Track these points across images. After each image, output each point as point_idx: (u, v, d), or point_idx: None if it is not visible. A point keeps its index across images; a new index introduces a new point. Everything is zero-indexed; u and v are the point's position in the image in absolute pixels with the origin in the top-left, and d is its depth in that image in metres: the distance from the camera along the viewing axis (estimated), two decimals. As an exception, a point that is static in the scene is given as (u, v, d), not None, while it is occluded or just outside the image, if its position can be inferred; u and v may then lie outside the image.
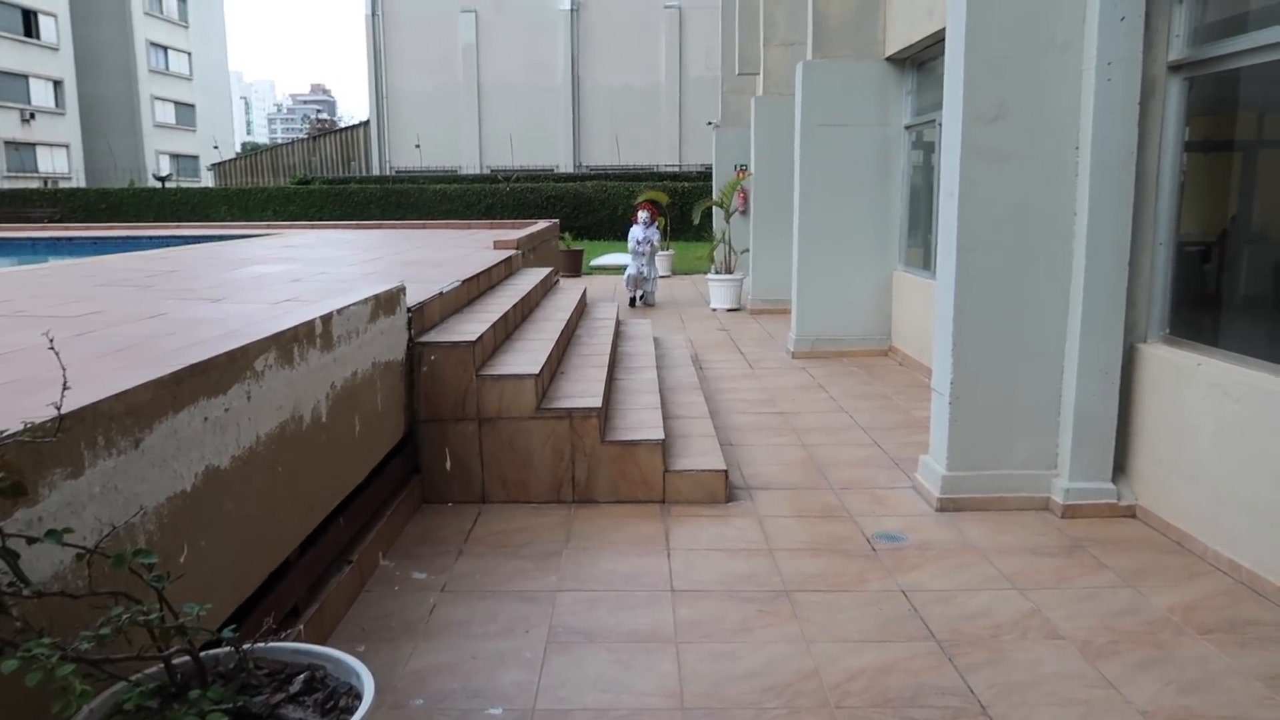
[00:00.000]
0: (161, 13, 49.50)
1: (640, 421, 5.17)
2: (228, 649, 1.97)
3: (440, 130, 35.44)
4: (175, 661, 1.86)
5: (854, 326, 9.01)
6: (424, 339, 4.74)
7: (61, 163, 43.25)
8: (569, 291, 8.62)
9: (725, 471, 4.84)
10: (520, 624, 3.44)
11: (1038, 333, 4.59)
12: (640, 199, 17.49)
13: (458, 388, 4.70)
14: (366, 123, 36.65)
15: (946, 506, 4.66)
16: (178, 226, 14.82)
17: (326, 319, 3.51)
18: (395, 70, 35.74)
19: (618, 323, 8.47)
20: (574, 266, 17.99)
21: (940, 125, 7.74)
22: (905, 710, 2.88)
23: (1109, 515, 4.53)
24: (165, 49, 49.78)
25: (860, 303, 8.97)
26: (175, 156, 49.35)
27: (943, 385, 4.73)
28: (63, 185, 36.91)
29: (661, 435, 4.89)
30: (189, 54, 51.76)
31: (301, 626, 3.10)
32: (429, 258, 8.13)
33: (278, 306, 4.33)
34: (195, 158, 49.14)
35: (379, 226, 14.43)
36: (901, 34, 8.18)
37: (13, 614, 1.61)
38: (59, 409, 1.78)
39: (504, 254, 8.40)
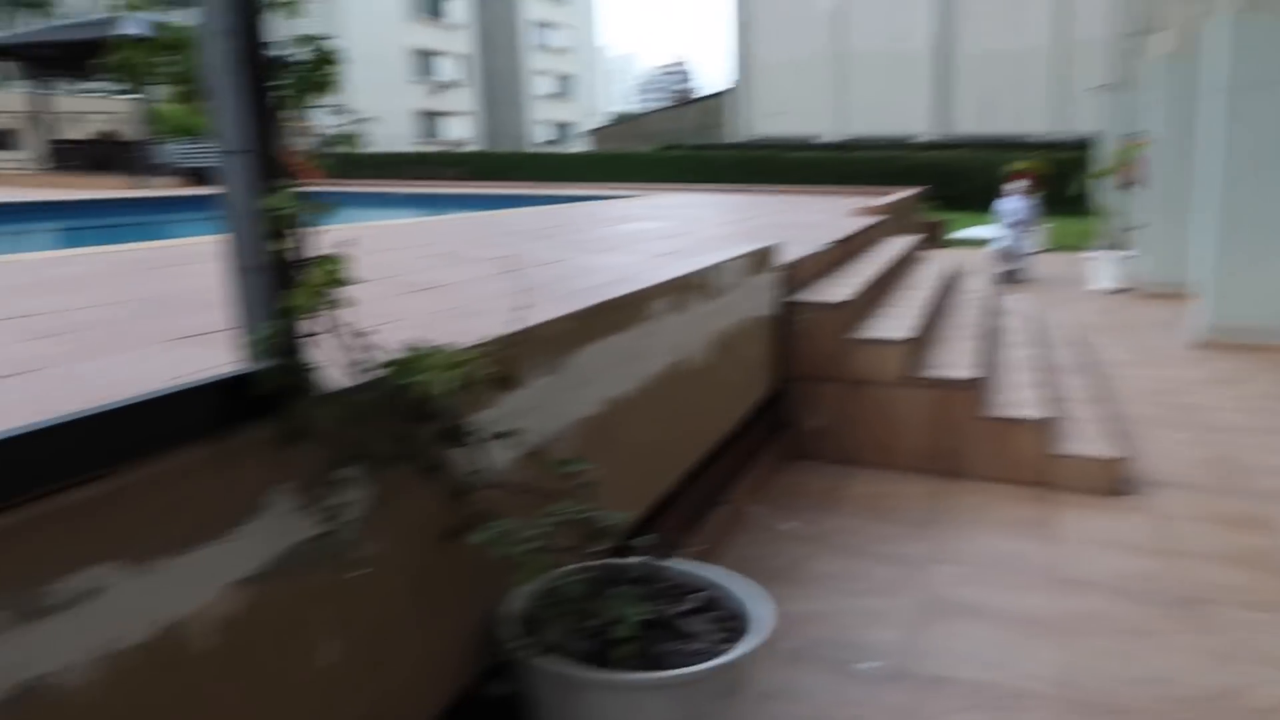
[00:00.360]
0: (543, -10, 54.12)
1: (1018, 399, 4.82)
2: (639, 558, 2.11)
3: (799, 98, 35.37)
4: (594, 563, 2.02)
5: (1270, 317, 7.74)
6: (795, 298, 4.74)
7: (464, 130, 48.95)
8: (935, 262, 8.24)
9: (1117, 461, 4.38)
10: (892, 587, 3.36)
11: None
12: (1019, 167, 16.33)
13: (826, 348, 4.66)
14: (727, 91, 37.53)
15: None
16: (559, 186, 16.16)
17: (710, 270, 3.62)
18: (758, 39, 36.11)
19: (989, 297, 7.97)
20: (934, 237, 17.22)
21: None
22: (1358, 758, 2.43)
23: None
24: (546, 26, 54.32)
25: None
26: (555, 124, 53.87)
27: None
28: (465, 149, 41.79)
29: (1043, 415, 4.52)
30: (566, 30, 56.07)
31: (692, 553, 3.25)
32: (793, 220, 8.14)
33: (660, 259, 4.54)
34: (570, 125, 53.28)
35: (739, 191, 14.74)
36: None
37: (471, 499, 1.81)
38: (512, 327, 1.99)
39: (867, 220, 8.20)
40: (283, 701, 1.51)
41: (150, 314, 2.66)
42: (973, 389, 4.53)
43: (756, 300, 4.33)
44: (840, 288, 5.09)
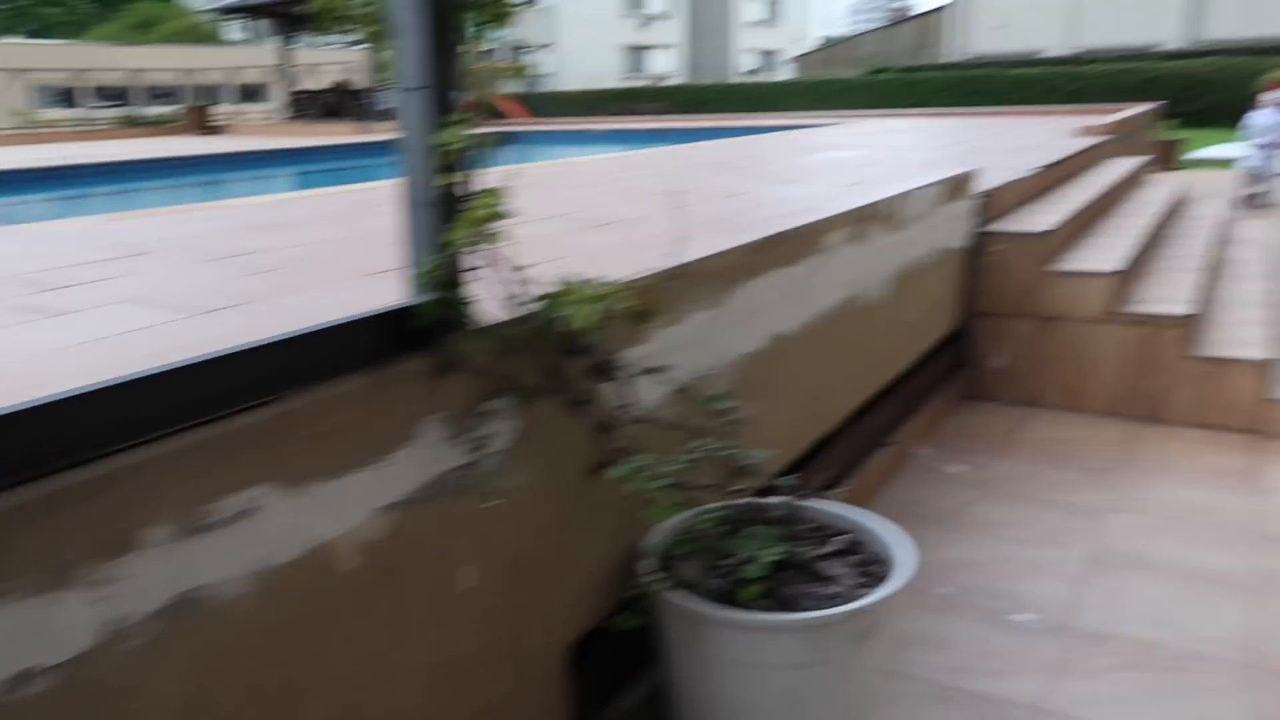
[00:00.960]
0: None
1: (1237, 338, 4.43)
2: (780, 499, 2.17)
3: (1023, 9, 32.64)
4: (735, 502, 2.10)
5: None
6: (991, 228, 4.54)
7: (669, 63, 48.84)
8: (1162, 186, 7.56)
9: (1350, 409, 3.96)
10: (1060, 537, 3.25)
11: None
12: (1270, 77, 14.56)
13: (1022, 281, 4.45)
14: (945, 6, 35.20)
15: None
16: (758, 117, 15.93)
17: (893, 201, 3.54)
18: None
19: (1223, 224, 7.25)
20: (1169, 158, 15.65)
21: None
22: None
23: None
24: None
25: None
26: (761, 53, 52.65)
27: None
28: (667, 83, 41.76)
29: (1263, 355, 4.14)
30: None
31: (840, 490, 3.29)
32: (1002, 145, 7.69)
33: (846, 189, 4.46)
34: (777, 53, 51.88)
35: (949, 114, 14.00)
36: None
37: (616, 434, 1.94)
38: (667, 263, 2.08)
39: (1087, 142, 7.62)
40: (422, 623, 1.61)
41: (357, 251, 2.96)
42: (1184, 326, 4.20)
43: (948, 231, 4.20)
44: (1044, 216, 4.82)
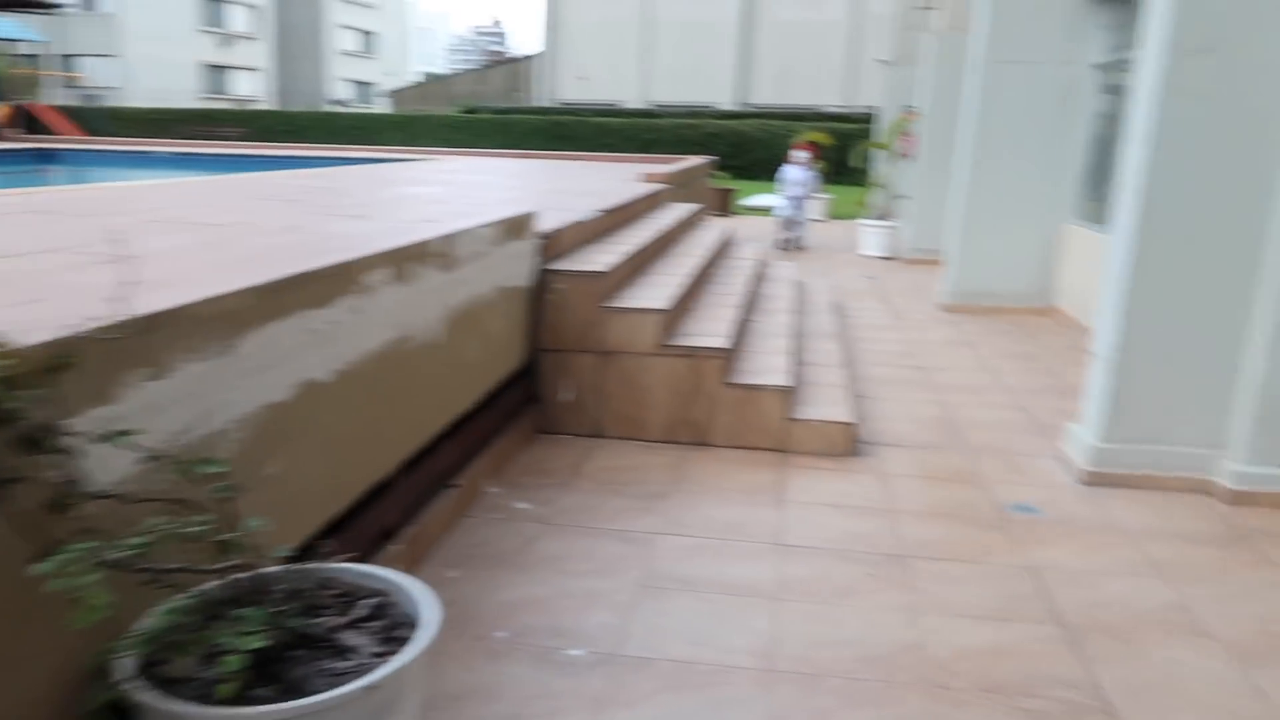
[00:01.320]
0: (348, -58, 51.26)
1: (768, 366, 4.97)
2: (289, 568, 1.95)
3: (607, 63, 35.30)
4: (241, 577, 1.84)
5: (1013, 281, 8.41)
6: (553, 266, 4.68)
7: (255, 86, 45.85)
8: (713, 229, 8.41)
9: (852, 424, 4.60)
10: (616, 565, 3.37)
11: (1225, 297, 4.08)
12: (803, 139, 16.94)
13: (583, 318, 4.63)
14: (535, 55, 37.00)
15: (1092, 481, 4.27)
16: (347, 149, 15.40)
17: (447, 239, 3.48)
18: (567, 3, 35.70)
19: (759, 264, 8.21)
20: (722, 205, 17.68)
21: (1136, 62, 7.02)
22: (1017, 699, 2.64)
23: (1285, 507, 4.04)
24: (350, -22, 51.61)
25: (1022, 256, 8.36)
26: (356, 83, 51.42)
27: (1106, 348, 4.30)
28: (252, 107, 39.16)
29: (787, 382, 4.68)
30: (372, -17, 53.49)
31: (391, 548, 3.13)
32: (576, 187, 8.08)
33: (412, 225, 4.34)
34: (372, 85, 51.01)
35: (535, 156, 14.56)
36: (1096, -38, 7.41)
37: (69, 515, 1.61)
38: (131, 313, 1.78)
39: (651, 188, 8.26)
40: None
41: None
42: (722, 357, 4.62)
43: (509, 269, 4.23)
44: (604, 256, 5.07)
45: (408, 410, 3.25)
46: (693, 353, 4.61)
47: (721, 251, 7.90)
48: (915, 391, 5.78)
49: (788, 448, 4.61)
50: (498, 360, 4.20)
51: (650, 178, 8.85)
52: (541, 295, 4.63)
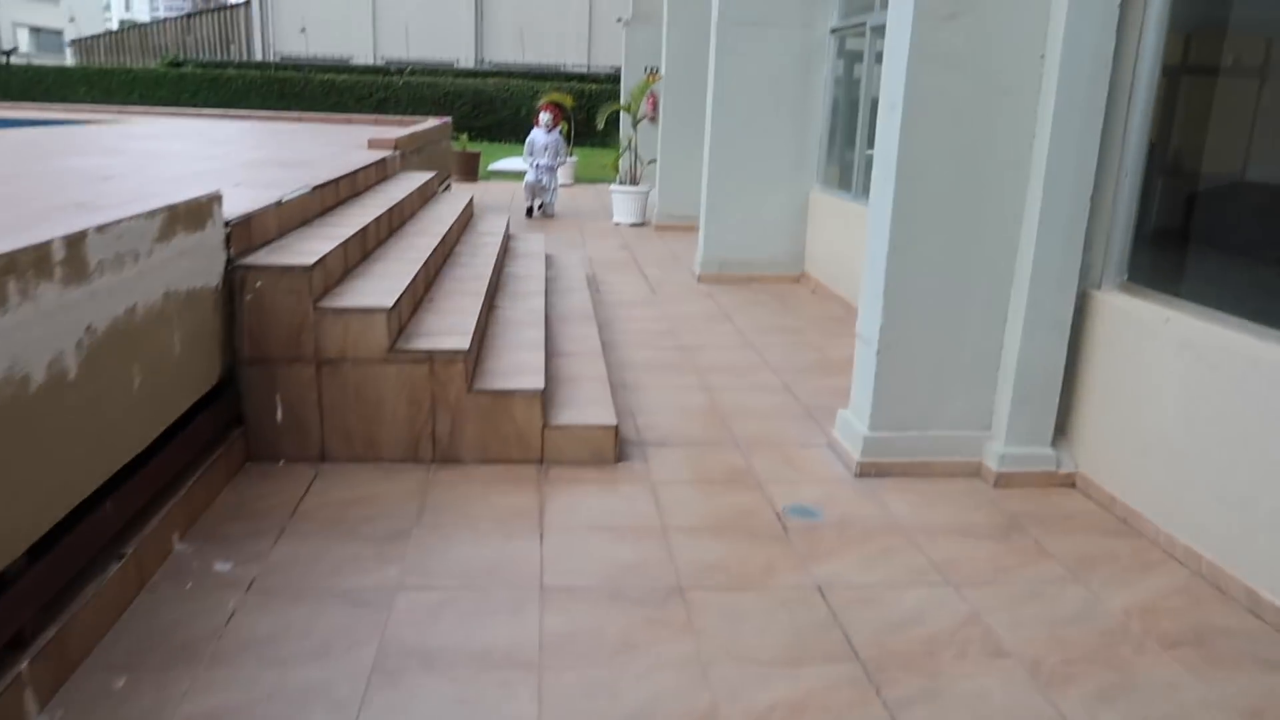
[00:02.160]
0: None
1: (519, 364, 4.39)
2: None
3: (331, 15, 32.64)
4: None
5: (765, 249, 8.31)
6: (249, 260, 3.82)
7: (-101, 30, 38.82)
8: (454, 200, 7.67)
9: (615, 427, 4.12)
10: (342, 641, 2.69)
11: (984, 275, 3.95)
12: (546, 100, 16.35)
13: (291, 322, 3.82)
14: (248, 2, 33.59)
15: (867, 471, 4.06)
16: (16, 108, 13.06)
17: (73, 241, 2.59)
18: (279, -57, 32.60)
19: (506, 238, 7.59)
20: (470, 170, 16.77)
21: (872, 28, 6.98)
22: (825, 770, 2.26)
23: (1046, 484, 4.01)
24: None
25: (773, 224, 8.27)
26: (35, 30, 44.91)
27: (870, 332, 4.07)
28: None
29: (541, 383, 4.12)
30: (49, -87, 46.65)
31: (24, 665, 2.28)
32: (287, 156, 7.04)
33: (43, 218, 3.34)
34: (59, 33, 44.69)
35: (246, 117, 13.01)
36: (832, -77, 7.30)
37: None
38: None
39: (378, 155, 7.37)
40: None
41: None
42: (465, 360, 3.98)
43: (183, 269, 3.35)
44: (315, 243, 4.25)
45: (30, 474, 2.38)
46: (430, 356, 3.93)
47: (466, 226, 7.20)
48: (679, 376, 5.41)
49: (547, 458, 4.06)
50: (179, 383, 3.33)
51: (377, 143, 7.94)
52: (237, 296, 3.77)
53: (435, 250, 5.38)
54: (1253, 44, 3.66)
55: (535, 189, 11.99)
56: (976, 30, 3.75)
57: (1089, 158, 3.76)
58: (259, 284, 3.76)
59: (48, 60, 37.40)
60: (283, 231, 4.42)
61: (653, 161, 11.95)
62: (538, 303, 5.67)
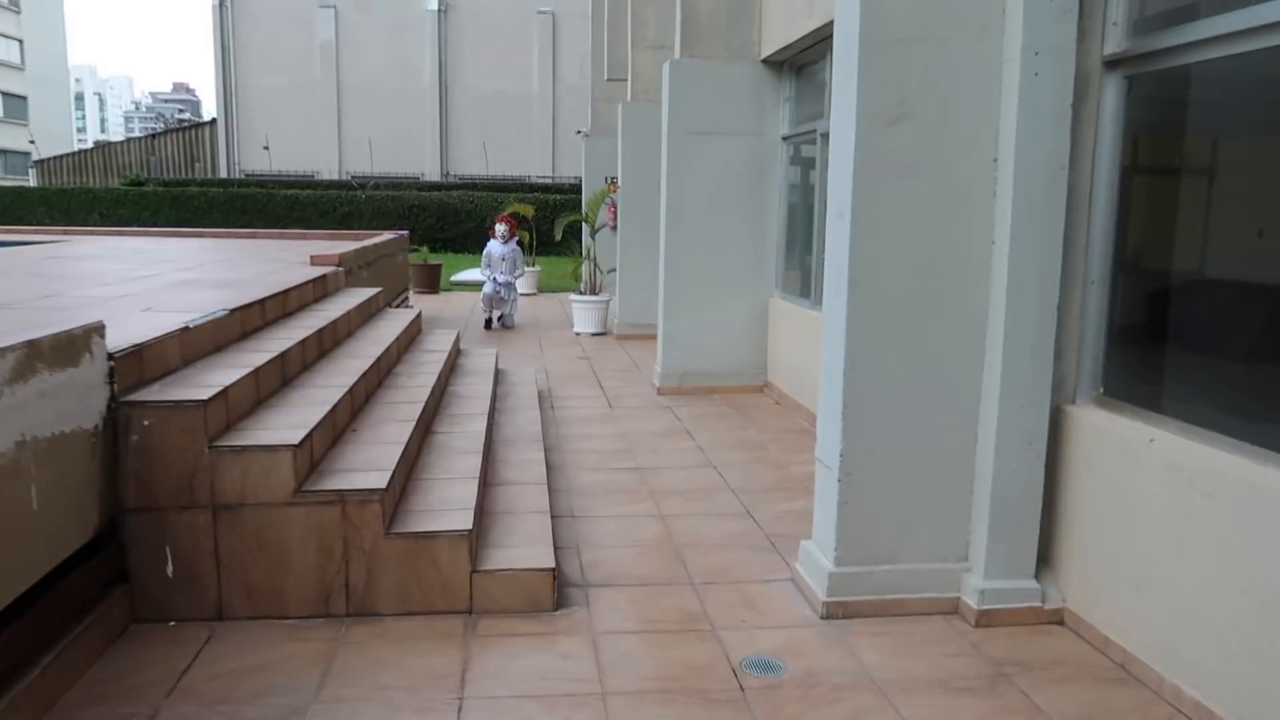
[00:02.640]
0: (-11, -5, 45.32)
1: (448, 499, 3.98)
2: None
3: (295, 132, 33.00)
4: None
5: (726, 359, 8.02)
6: (136, 396, 3.42)
7: None
8: (399, 317, 7.34)
9: (553, 569, 3.69)
10: None
11: (948, 392, 3.63)
12: (506, 211, 16.32)
13: (183, 463, 3.40)
14: (213, 121, 33.93)
15: (834, 612, 3.64)
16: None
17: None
18: (246, 65, 33.02)
19: (454, 355, 7.25)
20: (432, 282, 16.58)
21: (821, 135, 6.86)
22: None
23: (1033, 622, 3.60)
24: (-9, 35, 45.56)
25: (733, 333, 8.00)
26: (3, 152, 45.14)
27: (830, 456, 3.71)
28: None
29: (469, 523, 3.70)
30: (20, 41, 47.48)
31: None
32: (221, 276, 6.72)
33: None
34: (26, 155, 44.90)
35: (198, 235, 12.78)
36: (779, 32, 7.27)
37: None
38: None
39: (319, 271, 7.07)
40: None
41: None
42: (382, 499, 3.56)
43: (48, 411, 2.95)
44: (220, 374, 3.87)
45: None
46: (341, 497, 3.52)
47: (411, 344, 6.86)
48: (632, 502, 5.01)
49: (476, 607, 3.62)
50: (37, 542, 2.89)
51: (317, 260, 7.65)
52: (122, 436, 3.36)
53: (366, 373, 5.01)
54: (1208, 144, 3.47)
55: (493, 300, 11.75)
56: (925, 133, 3.53)
57: (1052, 263, 3.50)
58: (146, 423, 3.36)
59: (16, 181, 37.39)
60: (188, 360, 4.05)
61: (612, 270, 11.77)
62: (478, 425, 5.29)
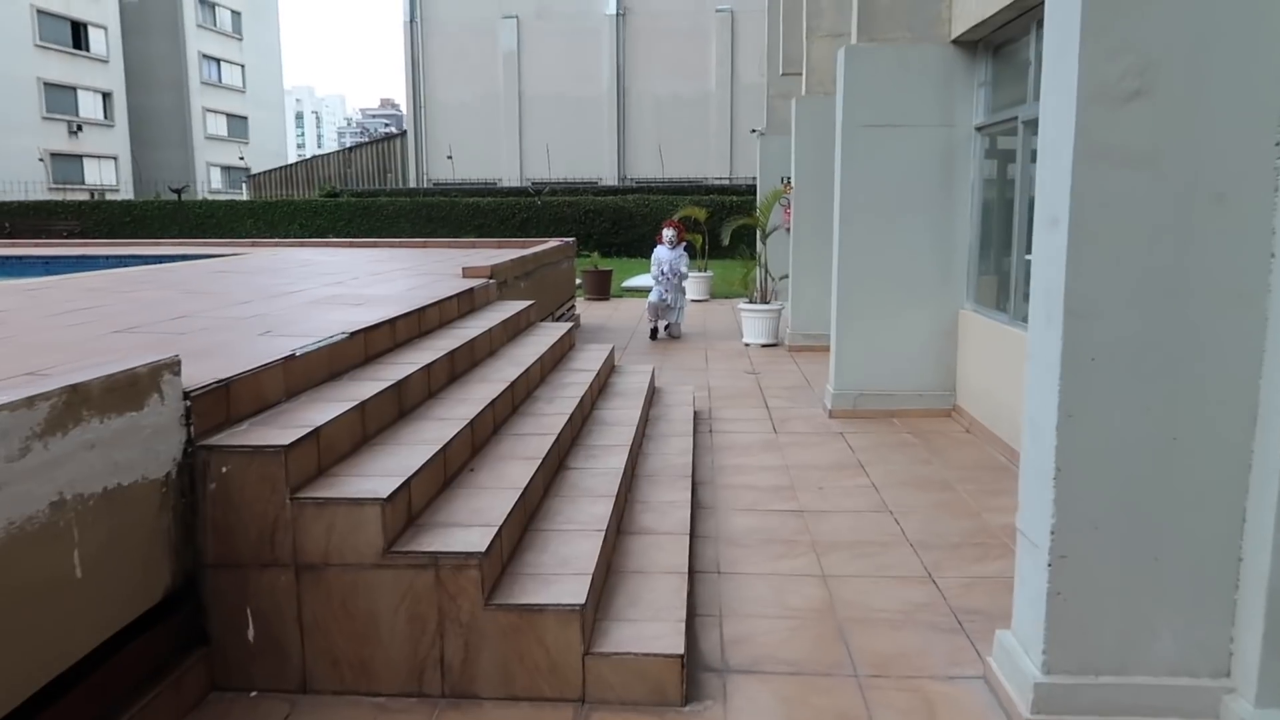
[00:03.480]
0: (215, 25, 49.34)
1: (565, 558, 3.43)
2: None
3: (479, 141, 33.95)
4: None
5: (908, 379, 7.13)
6: (217, 440, 3.06)
7: (109, 175, 43.05)
8: (548, 332, 6.92)
9: (681, 657, 3.05)
10: None
11: (1204, 454, 2.73)
12: (677, 214, 15.82)
13: (263, 516, 3.01)
14: (404, 133, 35.44)
15: (1041, 735, 2.82)
16: (153, 244, 13.56)
17: None
18: (434, 79, 34.31)
19: (607, 373, 6.74)
20: (602, 289, 16.28)
21: (1024, 123, 5.88)
22: None
23: (1327, 769, 2.65)
24: (218, 61, 49.57)
25: (917, 349, 7.10)
26: (226, 169, 49.11)
27: (1037, 531, 2.89)
28: (109, 197, 36.43)
29: (582, 596, 3.11)
30: (242, 66, 51.54)
31: None
32: (364, 292, 6.50)
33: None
34: (246, 169, 48.70)
35: (366, 245, 13.01)
36: (973, 7, 6.32)
37: None
38: None
39: (467, 284, 6.75)
40: None
41: None
42: (481, 564, 3.04)
43: (108, 459, 2.61)
44: (321, 410, 3.48)
45: None
46: (435, 560, 3.03)
47: (556, 363, 6.41)
48: (790, 556, 4.30)
49: (590, 696, 3.04)
50: (83, 613, 2.54)
51: (469, 272, 7.34)
52: (200, 485, 3.00)
53: (497, 401, 4.56)
54: None
55: (659, 309, 11.22)
56: (1169, 113, 2.66)
57: (1366, 283, 2.54)
58: (225, 469, 2.99)
59: (238, 195, 40.61)
60: (293, 392, 3.69)
61: (785, 277, 11.01)
62: (616, 460, 4.72)
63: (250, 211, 27.31)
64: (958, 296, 7.03)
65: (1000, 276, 6.64)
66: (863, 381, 7.13)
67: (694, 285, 16.42)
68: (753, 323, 10.91)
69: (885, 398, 7.12)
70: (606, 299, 16.13)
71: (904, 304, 7.05)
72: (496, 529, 3.23)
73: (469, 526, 3.25)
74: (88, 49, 41.75)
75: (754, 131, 16.71)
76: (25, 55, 38.55)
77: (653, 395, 6.99)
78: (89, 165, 41.93)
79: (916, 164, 6.85)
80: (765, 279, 11.07)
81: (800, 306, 10.33)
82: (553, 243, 11.80)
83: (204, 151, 48.10)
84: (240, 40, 51.60)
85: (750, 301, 11.11)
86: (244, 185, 38.85)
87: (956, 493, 5.27)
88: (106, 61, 42.91)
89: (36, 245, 13.92)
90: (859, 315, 7.12)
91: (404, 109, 33.65)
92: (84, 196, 35.28)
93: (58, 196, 34.88)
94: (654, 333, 11.39)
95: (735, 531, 4.62)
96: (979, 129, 6.78)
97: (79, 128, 40.99)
